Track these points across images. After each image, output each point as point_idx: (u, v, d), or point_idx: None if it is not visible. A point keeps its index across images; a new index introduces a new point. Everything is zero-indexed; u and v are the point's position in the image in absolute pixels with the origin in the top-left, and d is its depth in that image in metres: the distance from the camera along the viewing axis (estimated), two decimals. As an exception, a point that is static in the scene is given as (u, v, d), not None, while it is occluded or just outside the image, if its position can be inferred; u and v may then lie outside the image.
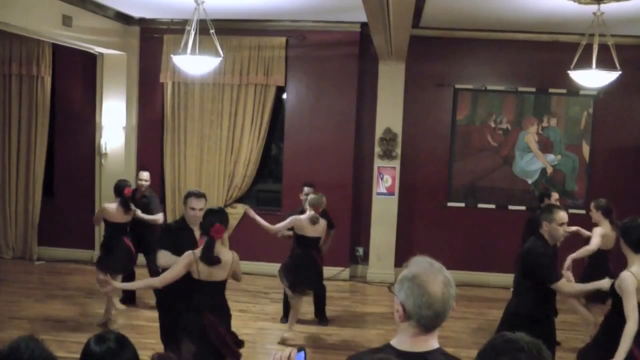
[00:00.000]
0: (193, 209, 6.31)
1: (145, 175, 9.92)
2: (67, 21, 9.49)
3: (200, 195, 6.41)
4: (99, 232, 11.47)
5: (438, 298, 2.65)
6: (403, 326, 2.74)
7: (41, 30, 9.38)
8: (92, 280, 10.77)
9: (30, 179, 12.00)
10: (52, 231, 12.03)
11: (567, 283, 5.84)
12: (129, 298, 9.48)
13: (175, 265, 5.77)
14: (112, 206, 8.81)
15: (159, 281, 5.91)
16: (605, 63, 8.73)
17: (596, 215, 8.17)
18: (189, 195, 6.42)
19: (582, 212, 11.21)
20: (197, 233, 6.26)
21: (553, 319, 5.90)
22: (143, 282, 6.24)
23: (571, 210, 11.13)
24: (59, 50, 11.67)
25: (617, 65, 8.69)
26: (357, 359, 2.59)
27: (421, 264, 2.75)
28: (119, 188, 8.81)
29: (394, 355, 2.60)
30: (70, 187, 12.04)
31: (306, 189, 9.29)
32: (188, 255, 5.72)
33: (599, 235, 8.01)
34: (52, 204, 12.09)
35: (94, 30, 10.48)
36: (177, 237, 6.28)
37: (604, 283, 5.71)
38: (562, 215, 5.71)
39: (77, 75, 12.08)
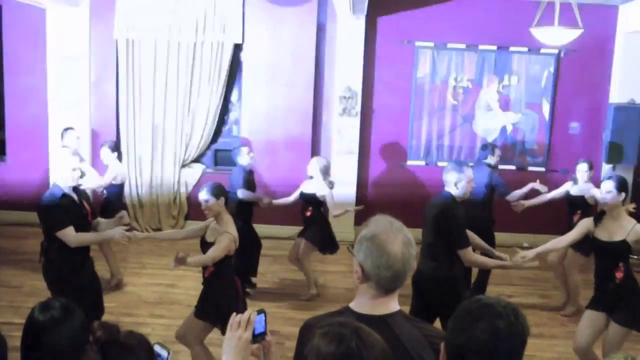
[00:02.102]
0: None
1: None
2: (12, -26, 9.14)
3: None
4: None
5: (398, 258, 2.57)
6: (362, 288, 2.67)
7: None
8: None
9: (-20, 139, 11.66)
10: (5, 194, 11.71)
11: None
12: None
13: (217, 250, 5.83)
14: None
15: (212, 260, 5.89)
16: (567, 21, 8.66)
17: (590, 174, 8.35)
18: None
19: (542, 169, 11.27)
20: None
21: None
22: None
23: (531, 168, 11.23)
24: (5, 5, 11.29)
25: (580, 23, 8.63)
26: (316, 323, 2.49)
27: (381, 223, 2.67)
28: None
29: (353, 319, 2.51)
30: (23, 147, 11.74)
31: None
32: (229, 237, 5.90)
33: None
34: (3, 165, 11.80)
35: (42, -17, 10.13)
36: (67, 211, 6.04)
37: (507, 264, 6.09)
38: None
39: (26, 32, 11.67)
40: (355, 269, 2.65)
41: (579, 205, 8.38)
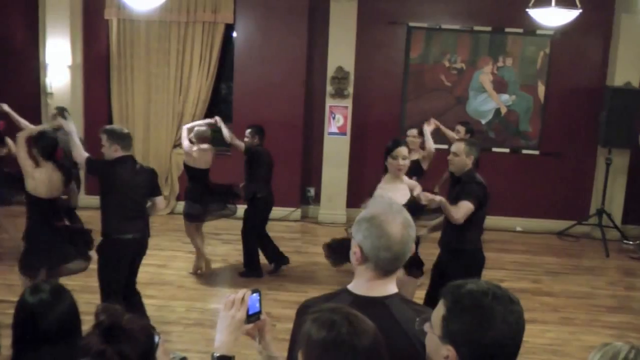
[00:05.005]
0: None
1: None
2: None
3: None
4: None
5: (397, 240, 2.54)
6: (360, 269, 2.64)
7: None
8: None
9: (-28, 120, 11.57)
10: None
11: None
12: None
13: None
14: None
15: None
16: (564, 1, 8.59)
17: None
18: None
19: (536, 152, 11.23)
20: None
21: None
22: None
23: (524, 151, 11.17)
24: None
25: (577, 3, 8.55)
26: (313, 304, 2.49)
27: (380, 205, 2.66)
28: None
29: (350, 301, 2.53)
30: (16, 128, 11.63)
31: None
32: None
33: None
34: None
35: (33, -37, 10.03)
36: None
37: None
38: None
39: (19, 12, 11.63)
40: (354, 250, 2.62)
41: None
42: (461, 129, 8.86)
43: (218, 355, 2.46)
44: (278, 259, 8.94)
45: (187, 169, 8.61)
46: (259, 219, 8.84)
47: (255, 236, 8.80)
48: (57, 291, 3.14)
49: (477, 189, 6.04)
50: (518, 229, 11.35)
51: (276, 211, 10.59)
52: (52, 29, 11.14)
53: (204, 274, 8.66)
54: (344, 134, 11.20)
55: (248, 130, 8.79)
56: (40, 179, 6.19)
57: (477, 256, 6.26)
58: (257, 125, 8.90)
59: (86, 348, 2.39)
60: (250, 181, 8.65)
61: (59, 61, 11.22)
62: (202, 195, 8.50)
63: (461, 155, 6.18)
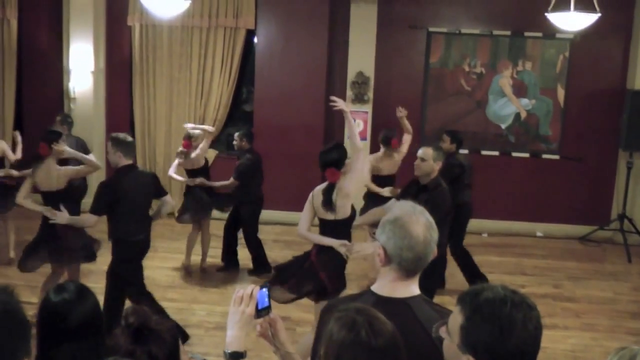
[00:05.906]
0: None
1: None
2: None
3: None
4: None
5: (420, 240, 2.61)
6: (384, 271, 2.70)
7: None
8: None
9: (-1, 125, 11.70)
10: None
11: None
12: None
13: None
14: None
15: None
16: (583, 5, 8.56)
17: None
18: None
19: (556, 157, 11.18)
20: None
21: None
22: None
23: (545, 155, 11.12)
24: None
25: (596, 6, 8.52)
26: (337, 304, 2.53)
27: (403, 207, 2.71)
28: None
29: (373, 301, 2.59)
30: (40, 132, 11.72)
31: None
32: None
33: None
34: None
35: (58, -31, 10.15)
36: None
37: None
38: None
39: (44, 18, 11.76)
40: (378, 251, 2.67)
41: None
42: (446, 138, 8.68)
43: (230, 351, 2.51)
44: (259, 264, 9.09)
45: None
46: (256, 218, 9.06)
47: (256, 235, 9.01)
48: (81, 291, 3.15)
49: (440, 200, 5.97)
50: (539, 234, 11.31)
51: (298, 216, 10.63)
52: (76, 34, 11.27)
53: (226, 278, 8.73)
54: (364, 139, 11.18)
55: (236, 134, 8.95)
56: (40, 174, 6.74)
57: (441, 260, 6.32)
58: (245, 129, 9.08)
59: (115, 348, 2.45)
60: (252, 186, 8.83)
61: (82, 66, 11.35)
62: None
63: (429, 160, 6.08)
